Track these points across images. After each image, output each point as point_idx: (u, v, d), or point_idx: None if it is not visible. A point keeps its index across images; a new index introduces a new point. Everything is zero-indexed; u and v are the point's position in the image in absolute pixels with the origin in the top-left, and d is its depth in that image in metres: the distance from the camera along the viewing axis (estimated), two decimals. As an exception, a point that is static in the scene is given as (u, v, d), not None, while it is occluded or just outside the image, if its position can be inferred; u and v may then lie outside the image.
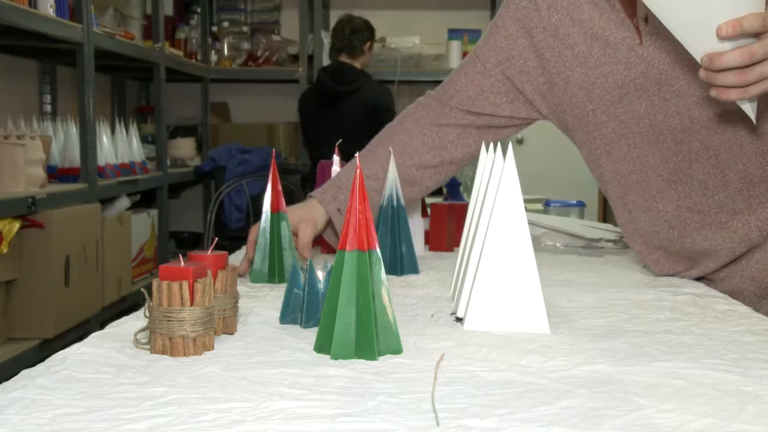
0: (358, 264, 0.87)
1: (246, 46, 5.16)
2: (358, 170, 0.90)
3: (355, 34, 4.10)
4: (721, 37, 0.97)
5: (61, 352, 0.88)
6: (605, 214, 5.01)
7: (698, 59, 1.02)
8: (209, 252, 0.97)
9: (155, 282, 0.88)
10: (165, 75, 4.05)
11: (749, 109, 1.08)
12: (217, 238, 1.21)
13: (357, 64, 4.10)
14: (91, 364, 0.84)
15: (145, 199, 4.07)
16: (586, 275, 1.43)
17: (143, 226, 3.79)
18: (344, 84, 3.98)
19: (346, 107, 4.00)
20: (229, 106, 5.44)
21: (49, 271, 2.62)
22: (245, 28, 5.26)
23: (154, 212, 3.96)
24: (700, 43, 1.01)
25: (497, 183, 1.01)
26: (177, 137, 4.74)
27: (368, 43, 4.14)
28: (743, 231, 1.30)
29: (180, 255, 0.95)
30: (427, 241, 1.74)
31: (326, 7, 5.33)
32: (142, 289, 0.93)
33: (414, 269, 1.45)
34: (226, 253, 0.99)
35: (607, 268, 1.51)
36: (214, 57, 5.05)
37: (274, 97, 5.43)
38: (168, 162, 4.23)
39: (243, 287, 1.24)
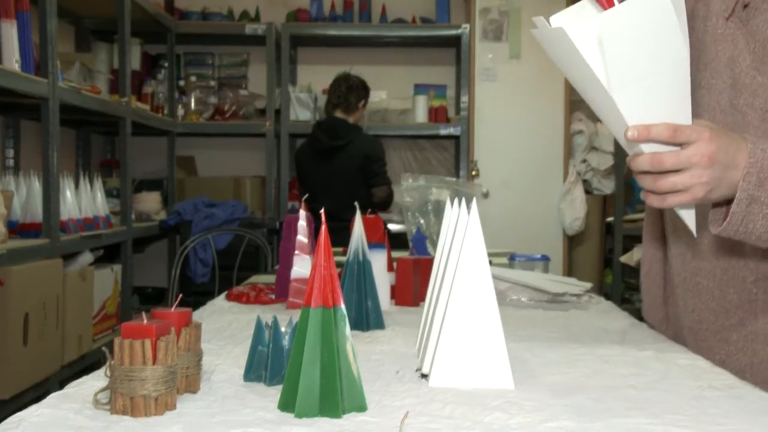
0: (323, 321, 0.87)
1: (213, 100, 5.19)
2: (324, 226, 0.90)
3: (351, 91, 4.26)
4: (627, 139, 1.00)
5: (17, 414, 0.86)
6: (570, 268, 5.05)
7: (629, 153, 1.05)
8: (173, 309, 0.96)
9: (117, 340, 0.87)
10: (131, 129, 4.04)
11: (688, 219, 1.08)
12: (181, 295, 1.20)
13: (350, 119, 4.24)
14: (48, 427, 0.82)
15: (108, 254, 4.03)
16: (551, 330, 1.44)
17: (106, 281, 3.74)
18: (338, 139, 4.15)
19: (341, 160, 4.16)
20: (195, 160, 5.44)
21: (7, 329, 2.57)
22: (213, 83, 5.29)
23: (117, 267, 3.91)
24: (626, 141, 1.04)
25: (462, 238, 1.02)
26: (142, 191, 4.72)
27: (363, 101, 4.32)
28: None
29: (143, 312, 0.94)
30: (393, 296, 1.74)
31: (294, 63, 5.39)
32: (103, 348, 0.92)
33: (380, 324, 1.44)
34: (189, 309, 0.98)
35: (572, 323, 1.52)
36: (181, 111, 5.06)
37: (241, 151, 5.44)
38: (133, 216, 4.20)
39: (207, 345, 1.22)
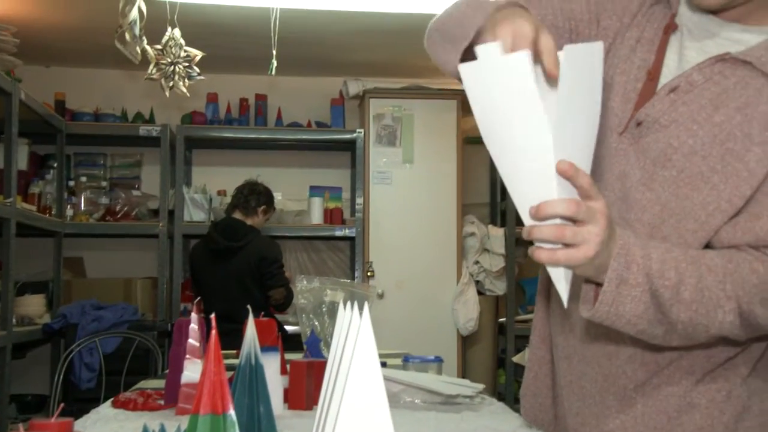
0: (212, 428, 0.85)
1: (104, 200, 5.09)
2: (214, 331, 0.90)
3: (253, 194, 4.28)
4: (559, 169, 0.99)
5: None
6: (464, 369, 5.09)
7: (522, 214, 1.03)
8: (53, 418, 0.93)
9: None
10: (15, 230, 3.91)
11: (562, 287, 1.07)
12: (63, 404, 1.15)
13: (248, 221, 4.20)
14: None
15: (-14, 361, 3.82)
16: (444, 432, 1.44)
17: (-18, 389, 3.53)
18: (234, 240, 4.12)
19: (237, 261, 4.11)
20: (84, 261, 5.28)
21: None
22: (104, 183, 5.21)
23: (-5, 374, 3.71)
24: (527, 195, 1.04)
25: (354, 341, 1.02)
26: (26, 294, 4.53)
27: (263, 206, 4.30)
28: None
29: (20, 423, 0.90)
30: (286, 399, 1.71)
31: (188, 164, 5.38)
32: (-24, 462, 0.87)
33: (272, 430, 1.41)
34: (71, 419, 0.95)
35: (464, 425, 1.53)
36: (70, 211, 4.93)
37: (132, 252, 5.33)
38: (14, 320, 4.02)
39: (89, 455, 1.17)
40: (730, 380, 1.21)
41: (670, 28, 1.25)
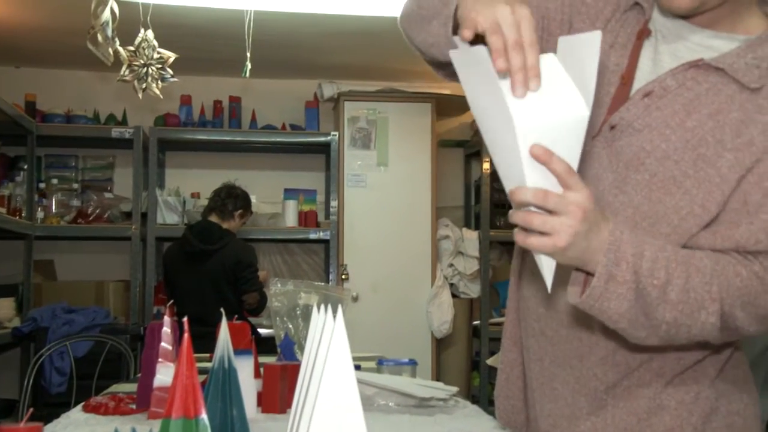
0: (184, 432, 0.85)
1: (76, 203, 5.03)
2: (186, 335, 0.89)
3: (230, 198, 4.26)
4: (532, 153, 1.00)
5: None
6: (438, 372, 5.09)
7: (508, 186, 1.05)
8: (22, 424, 0.92)
9: (-42, 460, 0.81)
10: (-15, 232, 3.87)
11: (546, 271, 1.08)
12: (32, 409, 1.14)
13: (224, 225, 4.18)
14: None
15: (-46, 365, 3.77)
16: (418, 434, 1.44)
17: (-50, 394, 3.48)
18: (209, 243, 4.11)
19: (211, 264, 4.10)
20: (55, 264, 5.22)
21: None
22: (76, 185, 5.15)
23: (-37, 379, 3.66)
24: (511, 178, 1.05)
25: (327, 345, 1.02)
26: (-5, 297, 4.48)
27: (240, 211, 4.28)
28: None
29: (-11, 428, 0.89)
30: (259, 403, 1.70)
31: (162, 166, 5.34)
32: (-58, 468, 0.86)
33: (245, 434, 1.41)
34: (40, 424, 0.94)
35: (437, 428, 1.53)
36: (40, 214, 4.87)
37: (104, 255, 5.28)
38: (-17, 324, 3.97)
39: (59, 460, 1.16)
40: (698, 382, 1.23)
41: (644, 33, 1.26)
